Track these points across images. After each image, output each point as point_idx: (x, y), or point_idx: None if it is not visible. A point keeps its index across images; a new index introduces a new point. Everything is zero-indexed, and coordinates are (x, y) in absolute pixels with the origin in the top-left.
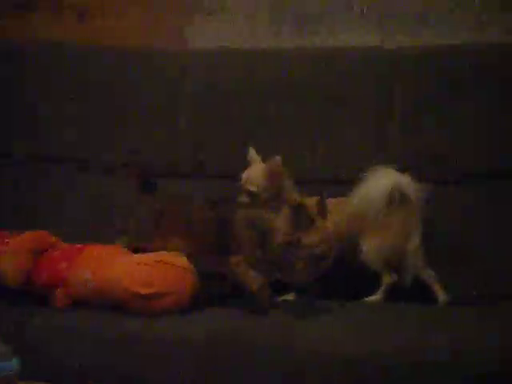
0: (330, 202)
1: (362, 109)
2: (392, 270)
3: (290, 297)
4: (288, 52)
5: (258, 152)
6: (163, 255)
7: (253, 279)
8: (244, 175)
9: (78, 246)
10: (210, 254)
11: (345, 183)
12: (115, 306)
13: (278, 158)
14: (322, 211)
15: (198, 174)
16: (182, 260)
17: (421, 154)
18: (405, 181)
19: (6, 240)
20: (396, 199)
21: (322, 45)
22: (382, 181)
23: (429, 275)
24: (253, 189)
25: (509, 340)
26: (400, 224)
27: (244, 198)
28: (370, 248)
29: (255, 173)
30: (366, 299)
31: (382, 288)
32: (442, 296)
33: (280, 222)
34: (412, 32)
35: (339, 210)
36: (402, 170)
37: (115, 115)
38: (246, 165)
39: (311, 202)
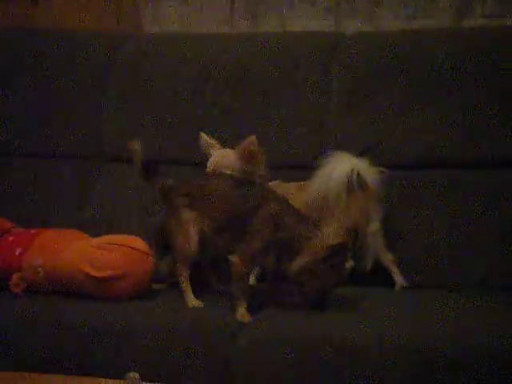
0: (291, 187)
1: (307, 93)
2: (351, 254)
3: None
4: (238, 37)
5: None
6: (121, 238)
7: (240, 294)
8: (212, 161)
9: (33, 231)
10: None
11: (294, 168)
12: (72, 291)
13: (253, 138)
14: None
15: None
16: (140, 243)
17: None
18: (363, 165)
19: None
20: (355, 183)
21: (273, 30)
22: (340, 165)
23: (388, 259)
24: (229, 172)
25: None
26: (359, 208)
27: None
28: (331, 232)
29: (227, 156)
30: None
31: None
32: (399, 280)
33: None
34: (367, 17)
35: (300, 195)
36: (358, 154)
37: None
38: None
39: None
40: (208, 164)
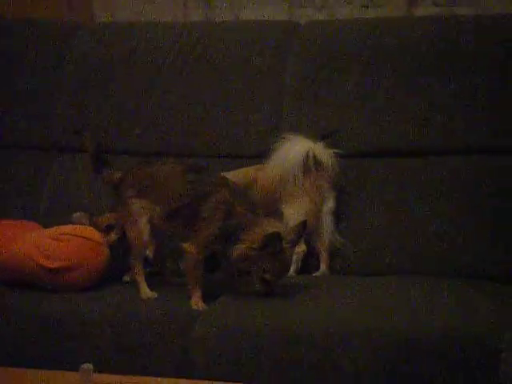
0: (249, 170)
1: (260, 81)
2: (307, 236)
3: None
4: (191, 25)
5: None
6: (74, 228)
7: (195, 282)
8: None
9: None
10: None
11: (245, 157)
12: (25, 282)
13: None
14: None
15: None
16: (94, 233)
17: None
18: (318, 147)
19: None
20: (311, 164)
21: (226, 18)
22: (296, 147)
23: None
24: None
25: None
26: (315, 189)
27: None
28: (290, 213)
29: None
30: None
31: (294, 259)
32: (324, 267)
33: (249, 235)
34: (319, 6)
35: (258, 177)
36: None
37: None
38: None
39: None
40: None
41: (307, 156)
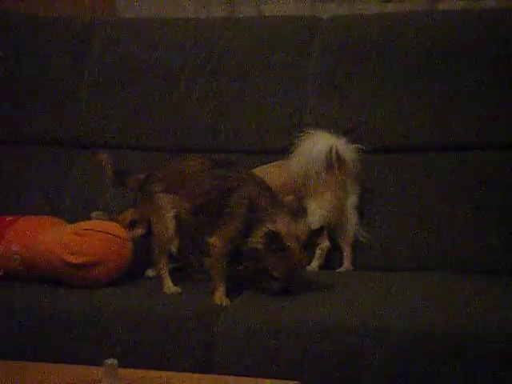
0: (269, 167)
1: (283, 76)
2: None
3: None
4: (214, 21)
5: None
6: (98, 224)
7: (218, 277)
8: None
9: (9, 218)
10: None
11: (268, 152)
12: (49, 278)
13: None
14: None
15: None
16: (118, 229)
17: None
18: (341, 143)
19: None
20: (333, 161)
21: (249, 14)
22: (319, 143)
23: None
24: None
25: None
26: (338, 185)
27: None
28: (313, 209)
29: None
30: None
31: (318, 254)
32: (347, 263)
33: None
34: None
35: (280, 174)
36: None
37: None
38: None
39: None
40: None
41: (330, 152)
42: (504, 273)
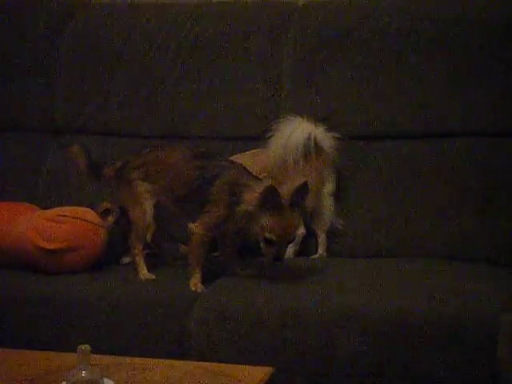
0: (244, 156)
1: (256, 64)
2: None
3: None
4: (188, 6)
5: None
6: (72, 210)
7: (196, 264)
8: None
9: None
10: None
11: (244, 139)
12: (22, 264)
13: None
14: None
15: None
16: (92, 215)
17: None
18: (319, 130)
19: None
20: (311, 148)
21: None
22: (297, 130)
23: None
24: None
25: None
26: (315, 172)
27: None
28: None
29: None
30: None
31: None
32: (322, 249)
33: (251, 196)
34: None
35: (257, 161)
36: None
37: None
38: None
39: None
40: None
41: (308, 139)
42: (480, 260)
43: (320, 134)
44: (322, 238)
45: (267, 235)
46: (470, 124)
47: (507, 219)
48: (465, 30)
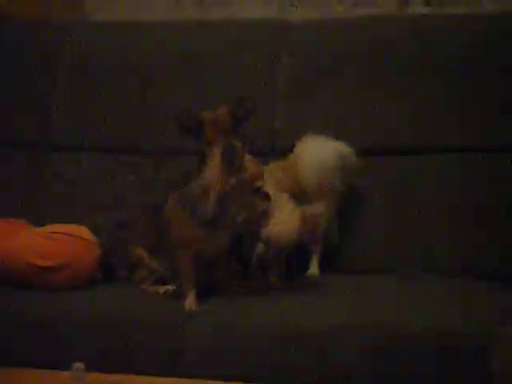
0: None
1: (253, 81)
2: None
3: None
4: (184, 24)
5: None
6: (66, 227)
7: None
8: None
9: None
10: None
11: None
12: (15, 281)
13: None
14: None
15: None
16: (86, 232)
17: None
18: (342, 147)
19: None
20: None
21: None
22: (325, 150)
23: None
24: None
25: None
26: (336, 190)
27: None
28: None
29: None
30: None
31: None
32: (315, 267)
33: (211, 173)
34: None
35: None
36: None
37: None
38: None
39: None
40: None
41: (342, 159)
42: (477, 274)
43: (344, 150)
44: (315, 255)
45: (258, 184)
46: (466, 139)
47: (507, 233)
48: (457, 46)
